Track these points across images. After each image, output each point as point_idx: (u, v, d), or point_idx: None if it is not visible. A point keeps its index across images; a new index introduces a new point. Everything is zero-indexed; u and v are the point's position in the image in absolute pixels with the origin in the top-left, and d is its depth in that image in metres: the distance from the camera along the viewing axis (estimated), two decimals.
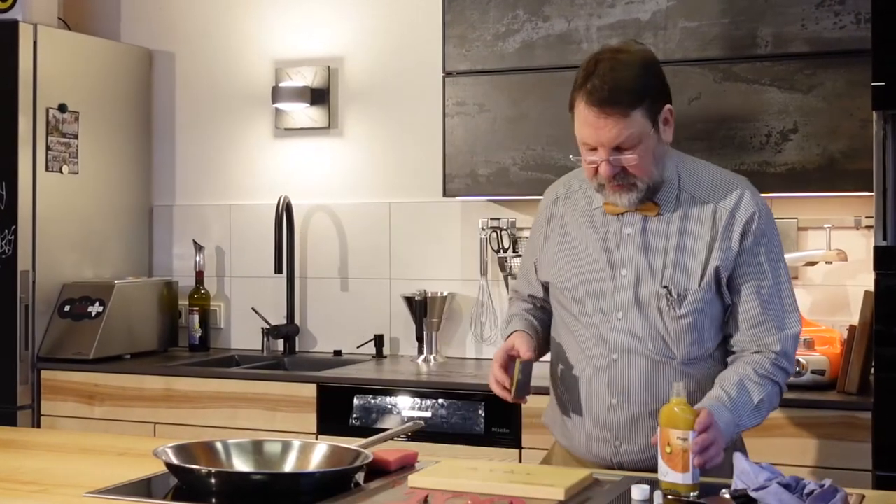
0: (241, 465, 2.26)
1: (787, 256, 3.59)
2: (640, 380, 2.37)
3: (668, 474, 2.05)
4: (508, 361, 2.39)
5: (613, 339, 2.39)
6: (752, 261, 2.36)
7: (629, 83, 2.28)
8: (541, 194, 2.68)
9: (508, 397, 2.36)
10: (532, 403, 3.37)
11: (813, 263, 3.68)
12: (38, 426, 4.08)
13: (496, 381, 2.39)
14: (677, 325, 2.35)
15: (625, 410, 2.37)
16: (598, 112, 2.27)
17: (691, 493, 2.03)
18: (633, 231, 2.40)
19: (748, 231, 2.36)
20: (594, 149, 2.32)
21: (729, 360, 2.41)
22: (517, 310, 2.64)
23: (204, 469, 2.10)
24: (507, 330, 2.57)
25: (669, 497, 2.02)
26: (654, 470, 2.14)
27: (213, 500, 2.05)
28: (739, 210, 2.37)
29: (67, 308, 4.21)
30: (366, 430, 3.49)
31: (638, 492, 1.95)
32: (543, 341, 2.58)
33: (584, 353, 2.43)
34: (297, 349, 4.46)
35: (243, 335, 4.59)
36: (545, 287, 2.56)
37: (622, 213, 2.41)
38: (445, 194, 3.94)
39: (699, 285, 2.34)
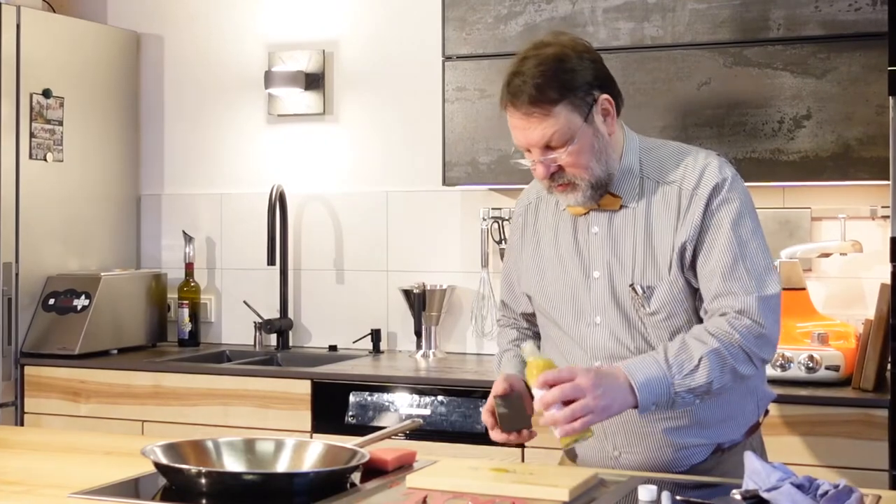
0: (232, 464, 2.25)
1: (800, 247, 3.63)
2: None
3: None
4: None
5: (594, 345, 2.36)
6: (715, 231, 2.27)
7: (550, 79, 2.23)
8: None
9: (499, 437, 2.33)
10: None
11: (827, 255, 3.68)
12: (22, 424, 4.08)
13: (489, 426, 2.35)
14: (652, 322, 2.31)
15: (617, 418, 2.28)
16: (521, 114, 2.25)
17: (579, 440, 2.12)
18: (600, 229, 2.37)
19: (711, 202, 2.27)
20: (529, 151, 2.30)
21: None
22: (507, 342, 2.61)
23: (194, 469, 2.09)
24: (497, 369, 2.55)
25: (679, 498, 2.02)
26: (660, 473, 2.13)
27: (204, 501, 2.05)
28: (700, 184, 2.29)
29: (52, 301, 4.21)
30: (362, 429, 3.49)
31: (645, 492, 1.95)
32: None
33: (568, 361, 2.39)
34: (290, 344, 4.46)
35: (235, 329, 4.59)
36: (529, 298, 2.53)
37: (587, 213, 2.38)
38: (445, 183, 3.93)
39: (669, 274, 2.28)
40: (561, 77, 2.25)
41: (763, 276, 2.27)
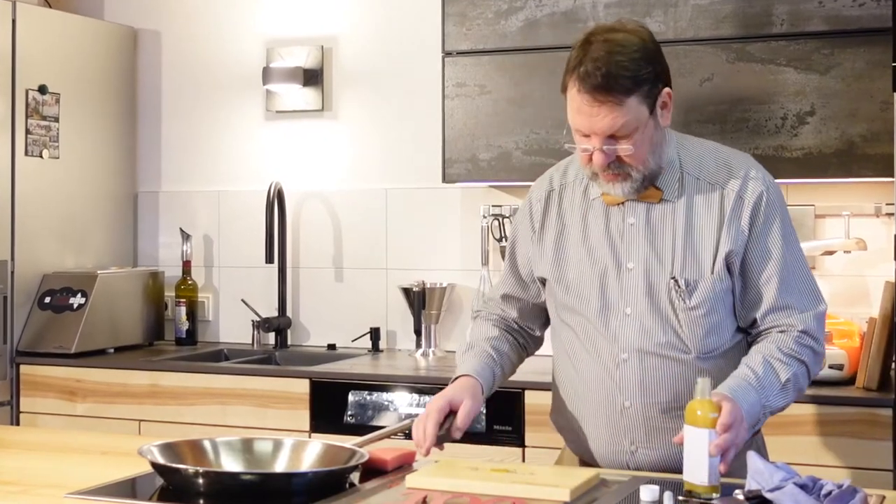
0: (230, 464, 2.25)
1: (803, 245, 3.60)
2: (654, 379, 2.34)
3: (690, 474, 2.04)
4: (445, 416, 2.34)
5: (623, 337, 2.36)
6: (765, 241, 2.32)
7: (624, 68, 2.22)
8: None
9: (422, 451, 2.31)
10: (535, 400, 3.39)
11: (831, 253, 3.68)
12: (17, 424, 4.08)
13: (422, 435, 2.30)
14: (689, 318, 2.32)
15: (639, 412, 2.34)
16: (590, 99, 2.22)
17: (713, 495, 2.02)
18: (637, 220, 2.37)
19: (758, 211, 2.32)
20: (587, 136, 2.28)
21: (751, 343, 2.38)
22: (478, 336, 2.56)
23: (191, 469, 2.09)
24: (461, 359, 2.51)
25: (681, 498, 2.02)
26: (675, 472, 2.13)
27: (201, 502, 2.05)
28: (747, 191, 2.33)
29: (48, 300, 4.21)
30: (361, 428, 3.49)
31: (647, 493, 1.95)
32: (507, 369, 2.54)
33: (590, 353, 2.40)
34: (289, 343, 4.46)
35: (232, 328, 4.59)
36: (536, 284, 2.52)
37: (623, 203, 2.38)
38: (445, 180, 3.93)
39: (711, 273, 2.31)
40: (637, 66, 2.23)
41: (816, 290, 2.38)
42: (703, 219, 2.34)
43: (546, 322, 2.59)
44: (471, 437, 3.46)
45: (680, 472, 2.21)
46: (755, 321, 2.36)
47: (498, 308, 2.61)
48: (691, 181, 2.36)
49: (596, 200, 2.42)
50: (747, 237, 2.32)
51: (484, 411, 3.47)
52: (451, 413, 2.35)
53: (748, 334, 2.40)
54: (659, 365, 2.34)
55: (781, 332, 2.32)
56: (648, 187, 2.34)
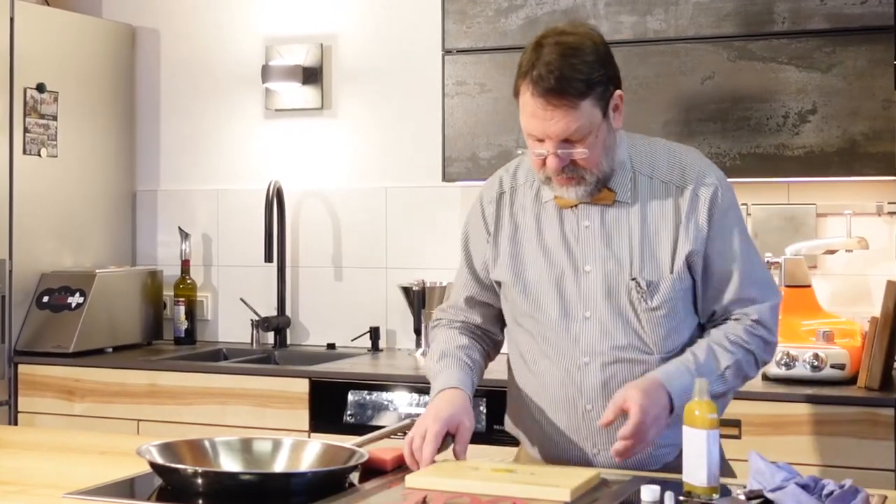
0: (229, 464, 2.25)
1: (805, 244, 3.64)
2: (616, 381, 2.33)
3: (689, 475, 2.04)
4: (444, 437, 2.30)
5: (583, 340, 2.35)
6: (725, 237, 2.33)
7: (578, 71, 2.21)
8: None
9: (413, 468, 2.26)
10: None
11: (832, 252, 3.68)
12: (16, 423, 4.08)
13: (415, 455, 2.26)
14: (651, 318, 2.32)
15: (601, 415, 2.30)
16: (544, 103, 2.22)
17: (713, 496, 2.01)
18: (592, 223, 2.36)
19: (714, 208, 2.33)
20: (541, 140, 2.27)
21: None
22: (449, 345, 2.49)
23: (190, 469, 2.09)
24: (438, 368, 2.44)
25: (681, 499, 2.02)
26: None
27: (200, 502, 2.05)
28: (702, 188, 2.33)
29: (46, 299, 4.21)
30: (361, 428, 3.49)
31: (648, 493, 1.95)
32: (478, 378, 2.50)
33: (549, 357, 2.39)
34: (288, 342, 4.46)
35: (231, 327, 4.59)
36: (493, 287, 2.49)
37: (576, 205, 2.37)
38: (445, 179, 3.93)
39: (671, 272, 2.31)
40: (588, 70, 2.23)
41: (772, 282, 2.41)
42: (660, 219, 2.34)
43: (505, 325, 2.57)
44: (471, 436, 3.47)
45: (639, 471, 2.27)
46: (714, 313, 2.38)
47: (461, 315, 2.57)
48: (644, 181, 2.36)
49: (549, 203, 2.41)
50: (706, 235, 2.32)
51: (484, 411, 3.47)
52: (448, 434, 2.31)
53: (704, 329, 2.41)
54: (621, 367, 2.34)
55: (735, 320, 2.34)
56: (602, 189, 2.34)
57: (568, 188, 2.32)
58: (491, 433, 3.47)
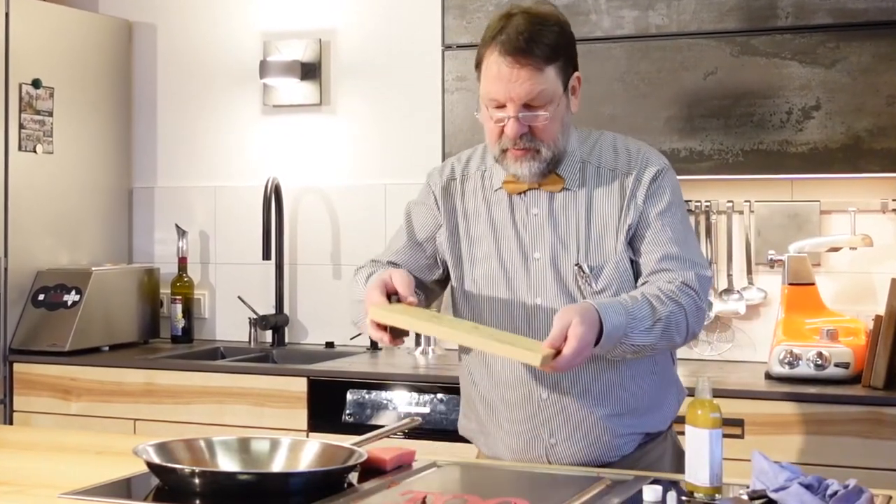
0: (226, 464, 2.25)
1: (809, 242, 3.64)
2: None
3: (692, 475, 2.05)
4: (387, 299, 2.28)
5: (536, 328, 2.37)
6: (658, 207, 2.36)
7: (545, 36, 2.28)
8: None
9: (387, 339, 2.27)
10: None
11: (836, 249, 3.68)
12: (11, 423, 4.08)
13: (375, 326, 2.26)
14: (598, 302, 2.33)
15: (557, 404, 2.35)
16: (511, 62, 2.26)
17: (716, 496, 2.01)
18: (541, 210, 2.40)
19: (653, 186, 2.36)
20: (503, 106, 2.30)
21: None
22: (375, 269, 2.46)
23: (187, 468, 2.09)
24: (363, 286, 2.40)
25: (684, 499, 2.02)
26: (592, 466, 2.28)
27: (197, 502, 2.05)
28: (645, 171, 2.38)
29: (42, 297, 4.21)
30: (360, 427, 3.49)
31: (650, 493, 1.95)
32: (423, 292, 2.49)
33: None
34: (286, 341, 4.46)
35: (229, 326, 4.59)
36: (431, 246, 2.49)
37: (525, 192, 2.40)
38: None
39: (615, 253, 2.34)
40: (555, 38, 2.30)
41: (703, 258, 2.41)
42: (606, 205, 2.38)
43: (432, 292, 2.56)
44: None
45: (597, 466, 2.30)
46: (645, 274, 2.37)
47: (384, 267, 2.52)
48: (592, 170, 2.40)
49: (499, 191, 2.44)
50: (642, 208, 2.36)
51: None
52: (390, 295, 2.29)
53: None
54: None
55: (667, 281, 2.32)
56: (551, 173, 2.37)
57: (522, 162, 2.34)
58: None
